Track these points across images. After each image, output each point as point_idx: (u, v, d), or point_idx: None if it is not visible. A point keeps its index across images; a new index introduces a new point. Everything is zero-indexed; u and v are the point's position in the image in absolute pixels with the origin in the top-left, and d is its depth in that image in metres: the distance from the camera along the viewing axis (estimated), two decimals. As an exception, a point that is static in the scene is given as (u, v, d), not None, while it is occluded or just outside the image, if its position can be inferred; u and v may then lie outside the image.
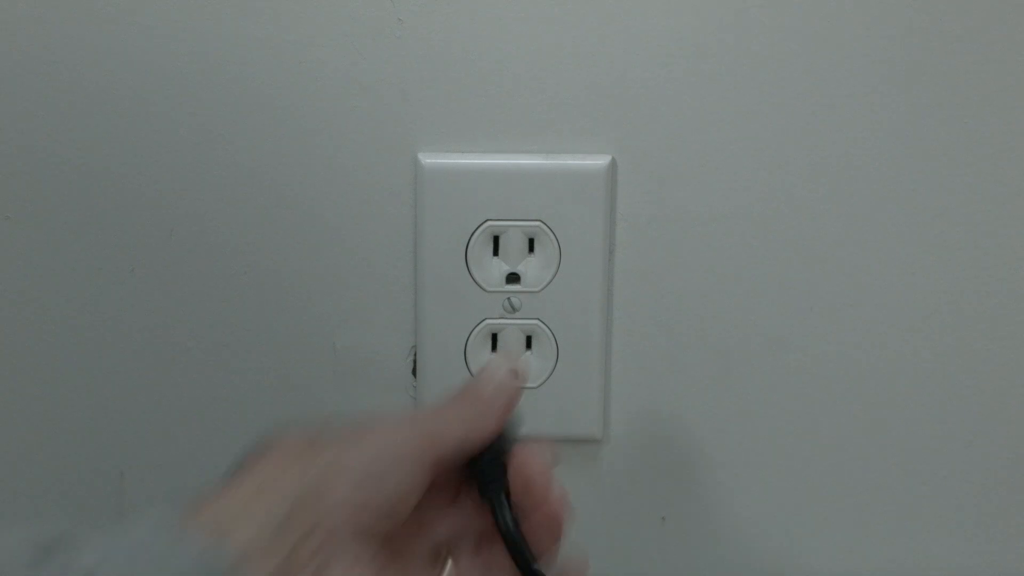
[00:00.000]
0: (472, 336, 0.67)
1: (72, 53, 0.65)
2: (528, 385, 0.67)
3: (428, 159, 0.66)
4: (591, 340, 0.68)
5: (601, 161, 0.66)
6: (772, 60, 0.65)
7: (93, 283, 0.68)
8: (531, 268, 0.67)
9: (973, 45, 0.64)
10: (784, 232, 0.67)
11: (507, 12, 0.64)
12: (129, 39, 0.64)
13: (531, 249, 0.67)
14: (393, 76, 0.65)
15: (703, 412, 0.70)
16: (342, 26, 0.64)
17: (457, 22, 0.64)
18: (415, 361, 0.69)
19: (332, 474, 0.51)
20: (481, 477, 0.54)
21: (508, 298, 0.67)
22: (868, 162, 0.66)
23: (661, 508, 0.72)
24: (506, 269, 0.67)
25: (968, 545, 0.72)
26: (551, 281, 0.67)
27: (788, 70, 0.65)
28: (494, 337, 0.68)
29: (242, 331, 0.69)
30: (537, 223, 0.66)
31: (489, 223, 0.66)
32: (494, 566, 0.56)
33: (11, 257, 0.68)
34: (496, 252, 0.67)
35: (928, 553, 0.72)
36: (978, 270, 0.68)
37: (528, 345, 0.68)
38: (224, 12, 0.64)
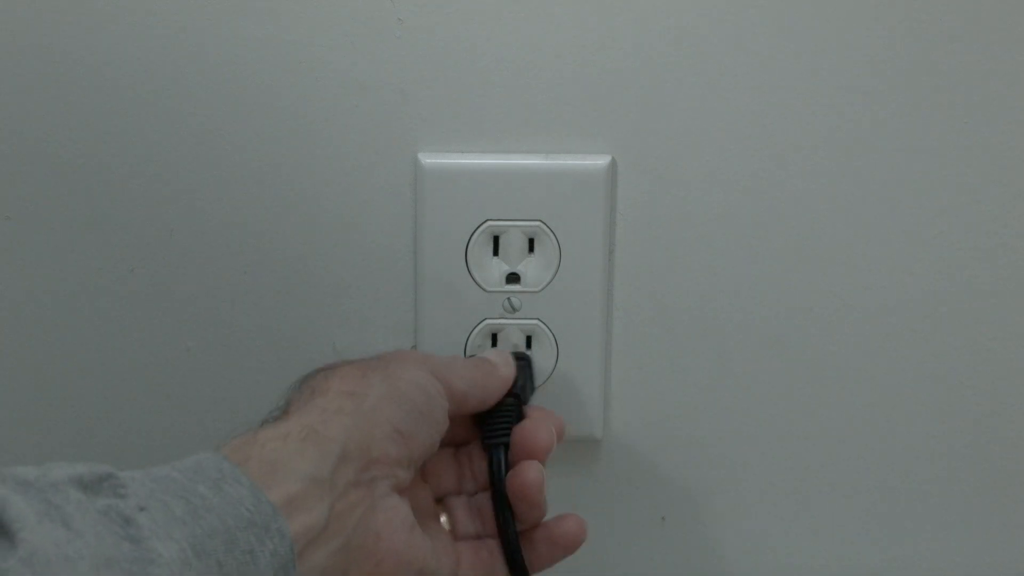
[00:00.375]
0: (472, 336, 0.67)
1: (72, 53, 0.65)
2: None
3: (428, 159, 0.66)
4: (591, 340, 0.68)
5: (601, 161, 0.66)
6: (772, 60, 0.65)
7: (93, 283, 0.68)
8: (531, 268, 0.67)
9: (973, 45, 0.64)
10: (784, 232, 0.67)
11: (507, 12, 0.64)
12: (129, 39, 0.64)
13: (531, 249, 0.67)
14: (393, 76, 0.65)
15: (703, 412, 0.70)
16: (342, 26, 0.64)
17: (457, 22, 0.64)
18: (415, 361, 0.69)
19: (374, 426, 0.53)
20: (486, 430, 0.60)
21: (508, 298, 0.67)
22: (868, 162, 0.66)
23: (661, 508, 0.72)
24: (506, 269, 0.67)
25: (968, 545, 0.72)
26: (551, 281, 0.67)
27: (788, 70, 0.65)
28: (494, 337, 0.68)
29: (242, 331, 0.69)
30: (537, 223, 0.66)
31: (489, 223, 0.66)
32: (487, 520, 0.60)
33: (11, 257, 0.68)
34: (496, 252, 0.67)
35: (928, 553, 0.72)
36: (978, 270, 0.68)
37: (528, 345, 0.68)
38: (224, 12, 0.64)
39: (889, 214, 0.67)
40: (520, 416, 0.62)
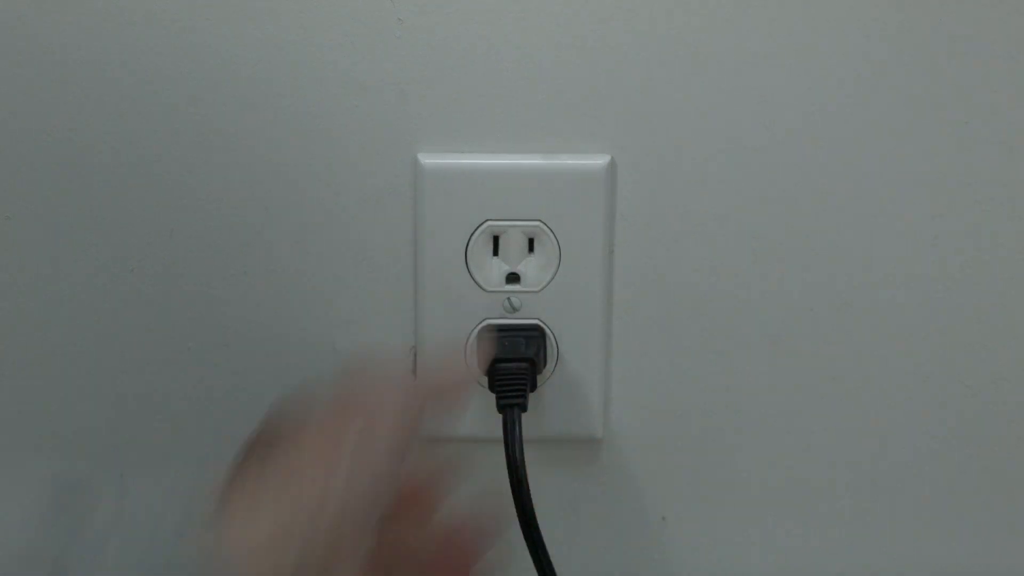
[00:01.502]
0: (472, 336, 0.67)
1: (72, 53, 0.65)
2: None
3: (428, 159, 0.66)
4: (591, 340, 0.68)
5: (600, 161, 0.66)
6: (771, 60, 0.65)
7: (93, 283, 0.68)
8: (531, 268, 0.67)
9: (973, 45, 0.64)
10: (784, 232, 0.67)
11: (507, 12, 0.64)
12: (129, 39, 0.64)
13: (531, 249, 0.67)
14: (393, 76, 0.65)
15: (703, 412, 0.70)
16: (342, 26, 0.64)
17: (457, 22, 0.64)
18: (415, 361, 0.69)
19: (347, 491, 0.50)
20: (500, 393, 0.63)
21: (508, 298, 0.67)
22: (867, 161, 0.66)
23: (661, 508, 0.72)
24: (506, 269, 0.67)
25: (968, 545, 0.72)
26: (551, 281, 0.67)
27: (787, 70, 0.65)
28: (494, 337, 0.68)
29: (242, 331, 0.69)
30: (537, 223, 0.66)
31: (489, 223, 0.66)
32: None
33: (11, 257, 0.68)
34: (496, 252, 0.67)
35: (928, 553, 0.72)
36: (978, 270, 0.68)
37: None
38: (224, 12, 0.64)
39: (889, 214, 0.67)
40: (534, 383, 0.65)
